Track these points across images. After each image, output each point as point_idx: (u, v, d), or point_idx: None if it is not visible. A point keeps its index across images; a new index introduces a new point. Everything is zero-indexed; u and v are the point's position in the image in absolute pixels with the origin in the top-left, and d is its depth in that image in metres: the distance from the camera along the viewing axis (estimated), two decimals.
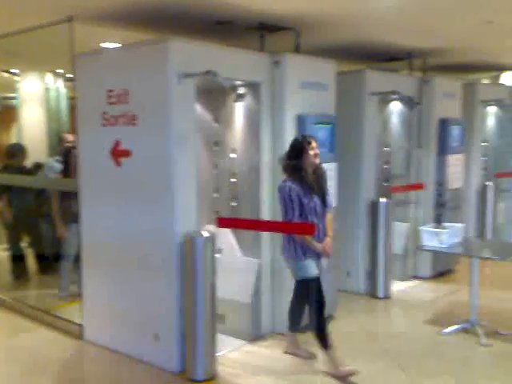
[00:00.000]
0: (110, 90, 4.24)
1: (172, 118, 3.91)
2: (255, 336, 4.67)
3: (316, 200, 3.96)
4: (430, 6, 4.45)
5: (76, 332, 4.79)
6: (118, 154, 4.25)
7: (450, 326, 4.88)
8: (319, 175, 4.02)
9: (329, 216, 4.09)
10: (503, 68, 8.34)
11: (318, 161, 3.98)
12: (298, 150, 3.95)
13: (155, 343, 4.11)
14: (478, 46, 6.41)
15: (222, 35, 5.02)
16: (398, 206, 6.14)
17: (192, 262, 3.87)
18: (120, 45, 5.25)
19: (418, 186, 6.36)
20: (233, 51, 4.34)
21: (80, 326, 4.77)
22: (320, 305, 4.04)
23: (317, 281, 4.01)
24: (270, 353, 4.47)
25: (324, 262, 4.18)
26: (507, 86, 8.30)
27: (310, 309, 4.14)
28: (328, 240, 4.04)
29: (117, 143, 4.25)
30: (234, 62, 4.32)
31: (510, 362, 4.29)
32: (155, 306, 4.15)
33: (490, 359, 4.40)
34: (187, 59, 3.92)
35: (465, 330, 4.81)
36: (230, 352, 4.43)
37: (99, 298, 4.62)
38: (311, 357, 4.32)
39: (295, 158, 3.93)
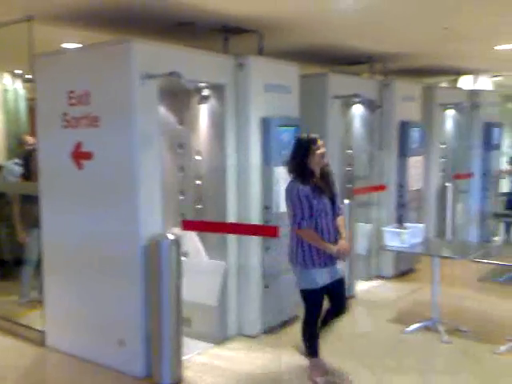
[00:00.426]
0: (71, 91, 4.16)
1: (135, 120, 3.87)
2: (222, 339, 4.66)
3: (325, 201, 3.75)
4: (389, 11, 4.55)
5: (38, 339, 4.67)
6: (80, 156, 4.17)
7: (412, 324, 4.98)
8: (327, 175, 3.85)
9: (341, 217, 3.91)
10: (460, 72, 8.60)
11: (325, 160, 3.84)
12: (303, 149, 3.76)
13: (119, 348, 4.05)
14: (436, 50, 6.59)
15: (185, 37, 5.00)
16: (361, 208, 6.24)
17: (157, 265, 3.83)
18: (81, 45, 5.16)
19: (380, 188, 6.49)
20: (197, 53, 4.33)
21: (42, 332, 4.65)
22: (314, 319, 3.86)
23: (320, 293, 3.78)
24: (236, 355, 4.47)
25: (341, 265, 3.91)
26: (464, 90, 8.55)
27: (304, 318, 3.91)
28: (342, 242, 3.79)
29: (78, 145, 4.17)
30: (198, 64, 4.31)
31: (471, 358, 4.41)
32: (119, 310, 4.09)
33: (452, 356, 4.51)
34: (150, 60, 3.88)
35: (427, 328, 4.92)
36: (197, 355, 4.41)
37: (61, 304, 4.51)
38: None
39: (301, 158, 3.75)
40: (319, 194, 3.72)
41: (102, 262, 4.17)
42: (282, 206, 4.76)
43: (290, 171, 3.82)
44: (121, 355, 4.07)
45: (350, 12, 4.54)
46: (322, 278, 3.74)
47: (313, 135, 3.87)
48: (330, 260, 3.75)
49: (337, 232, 3.83)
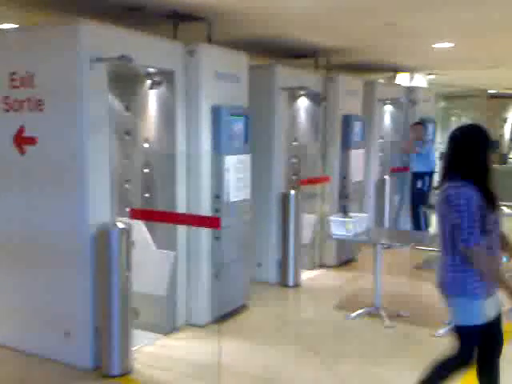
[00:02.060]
0: (13, 73, 3.95)
1: (83, 105, 3.74)
2: (171, 329, 4.61)
3: (494, 216, 2.82)
4: (334, 5, 4.65)
5: None
6: (22, 141, 3.98)
7: (355, 310, 5.14)
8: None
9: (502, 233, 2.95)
10: (398, 69, 8.93)
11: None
12: (482, 142, 2.85)
13: (66, 340, 3.91)
14: (378, 46, 6.80)
15: (134, 22, 4.86)
16: (305, 198, 6.35)
17: (106, 255, 3.74)
18: (17, 26, 4.93)
19: (325, 179, 6.63)
20: (147, 37, 4.24)
21: None
22: (460, 364, 2.97)
23: (481, 331, 2.85)
24: (185, 345, 4.44)
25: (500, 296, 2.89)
26: (402, 86, 8.90)
27: (441, 362, 3.03)
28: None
29: (21, 130, 3.98)
30: (148, 49, 4.22)
31: (411, 341, 4.62)
32: (66, 302, 3.95)
33: (393, 339, 4.69)
34: (99, 43, 3.76)
35: (369, 314, 5.10)
36: (146, 346, 4.34)
37: (3, 296, 4.30)
38: None
39: (480, 155, 2.82)
40: (492, 203, 2.79)
41: (47, 252, 4.01)
42: (232, 195, 4.78)
43: (454, 169, 2.85)
44: (68, 348, 3.94)
45: (297, 4, 4.59)
46: (489, 310, 2.83)
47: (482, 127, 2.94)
48: (492, 288, 2.83)
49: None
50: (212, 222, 4.46)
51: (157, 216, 4.45)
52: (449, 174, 2.88)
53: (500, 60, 8.06)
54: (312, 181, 6.52)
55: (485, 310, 2.80)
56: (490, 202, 2.77)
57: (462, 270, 2.80)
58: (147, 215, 4.50)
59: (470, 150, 2.83)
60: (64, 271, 3.94)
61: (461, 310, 2.85)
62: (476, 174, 2.78)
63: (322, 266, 6.81)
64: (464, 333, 2.88)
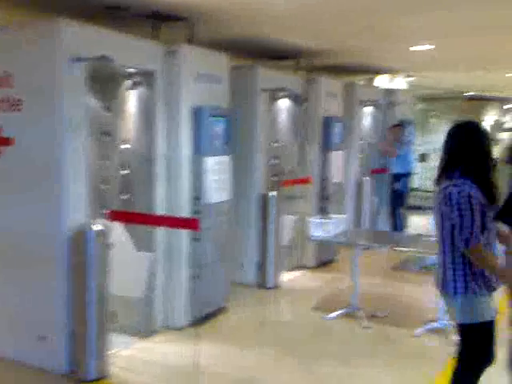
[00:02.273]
0: None
1: (61, 105, 3.70)
2: (149, 332, 4.57)
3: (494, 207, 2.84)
4: (315, 8, 4.66)
5: None
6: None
7: (334, 311, 5.18)
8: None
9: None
10: (377, 71, 9.01)
11: None
12: (485, 139, 2.84)
13: (41, 344, 3.86)
14: (357, 48, 6.83)
15: (114, 22, 4.81)
16: (285, 200, 6.36)
17: (82, 257, 3.70)
18: None
19: (307, 180, 6.65)
20: (127, 38, 4.19)
21: None
22: (478, 368, 2.86)
23: (492, 327, 2.81)
24: (163, 348, 4.42)
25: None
26: (382, 88, 8.98)
27: (460, 364, 2.91)
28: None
29: None
30: (129, 49, 4.18)
31: (389, 341, 4.67)
32: (41, 305, 3.89)
33: (371, 340, 4.75)
34: (79, 43, 3.72)
35: (348, 315, 5.13)
36: (123, 349, 4.30)
37: None
38: None
39: (484, 151, 2.81)
40: (493, 203, 2.79)
41: (23, 254, 3.94)
42: (212, 196, 4.77)
43: (454, 167, 2.81)
44: (43, 352, 3.88)
45: (278, 7, 4.59)
46: (491, 306, 2.81)
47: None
48: (491, 286, 2.80)
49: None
50: (191, 224, 4.44)
51: (135, 218, 4.41)
52: (447, 172, 2.84)
53: (478, 63, 8.19)
54: (293, 182, 6.53)
55: (490, 306, 2.79)
56: (491, 199, 2.75)
57: (462, 269, 2.77)
58: (125, 217, 4.46)
59: (471, 147, 2.80)
60: (40, 274, 3.88)
61: (466, 308, 2.79)
62: (476, 171, 2.75)
63: (301, 267, 6.83)
64: (474, 331, 2.80)
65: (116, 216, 4.38)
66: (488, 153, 2.84)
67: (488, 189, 2.75)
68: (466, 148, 2.80)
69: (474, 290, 2.76)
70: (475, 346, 2.82)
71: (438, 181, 2.91)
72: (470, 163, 2.76)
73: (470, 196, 2.68)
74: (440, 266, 2.90)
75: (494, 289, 2.81)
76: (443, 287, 2.87)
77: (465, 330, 2.83)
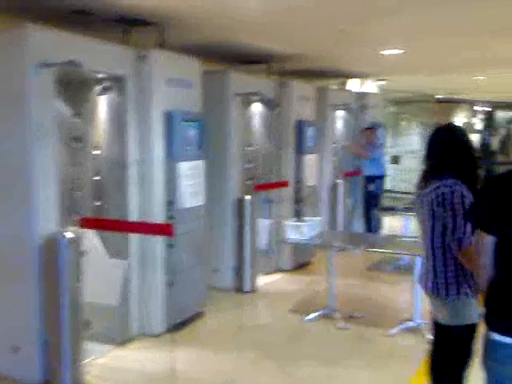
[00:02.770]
0: None
1: (29, 111, 3.63)
2: (124, 339, 4.51)
3: None
4: (285, 13, 4.70)
5: None
6: None
7: (311, 313, 5.19)
8: None
9: None
10: (349, 76, 9.12)
11: None
12: (469, 142, 2.88)
13: (14, 354, 3.77)
14: (328, 53, 6.92)
15: (83, 27, 4.76)
16: (261, 203, 6.37)
17: (55, 265, 3.63)
18: None
19: (283, 184, 6.66)
20: (96, 42, 4.15)
21: None
22: (462, 369, 2.85)
23: (477, 328, 2.76)
24: (139, 355, 4.37)
25: None
26: (353, 92, 9.08)
27: (443, 365, 2.92)
28: None
29: None
30: (98, 54, 4.14)
31: (365, 341, 4.71)
32: (13, 315, 3.82)
33: (348, 340, 4.77)
34: (46, 48, 3.66)
35: (325, 316, 5.16)
36: (99, 358, 4.23)
37: None
38: None
39: (470, 153, 2.85)
40: None
41: None
42: (186, 201, 4.74)
43: (444, 167, 2.81)
44: (16, 361, 3.80)
45: (249, 11, 4.61)
46: (478, 310, 2.76)
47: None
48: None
49: None
50: (165, 230, 4.41)
51: (108, 225, 4.36)
52: (435, 174, 2.82)
53: (446, 66, 8.36)
54: (269, 186, 6.54)
55: (477, 310, 2.75)
56: None
57: (454, 271, 2.75)
58: (98, 224, 4.41)
59: (459, 148, 2.82)
60: (12, 283, 3.81)
61: (456, 310, 2.75)
62: (466, 172, 2.76)
63: (278, 270, 6.84)
64: (460, 333, 2.79)
65: (88, 223, 4.33)
66: (474, 153, 2.88)
67: (476, 189, 2.72)
68: (455, 150, 2.82)
69: (465, 293, 2.74)
70: (461, 347, 2.82)
71: (424, 183, 2.89)
72: (460, 164, 2.78)
73: (463, 196, 2.67)
74: (429, 272, 2.85)
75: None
76: (433, 291, 2.82)
77: (454, 331, 2.79)
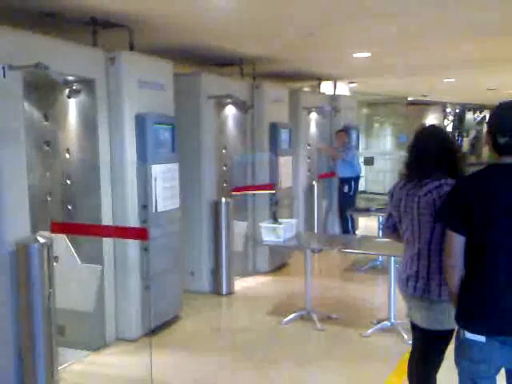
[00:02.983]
0: None
1: None
2: (100, 345, 4.44)
3: None
4: (255, 18, 4.71)
5: None
6: None
7: (288, 315, 5.18)
8: None
9: None
10: (322, 78, 9.18)
11: None
12: (455, 140, 3.09)
13: None
14: (300, 55, 6.96)
15: (51, 28, 4.69)
16: (237, 206, 6.35)
17: (26, 270, 3.55)
18: None
19: (269, 187, 6.64)
20: (64, 44, 4.09)
21: None
22: (437, 369, 2.89)
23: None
24: (116, 360, 4.31)
25: None
26: (326, 95, 9.15)
27: (428, 367, 2.90)
28: None
29: None
30: (66, 56, 4.07)
31: (341, 342, 4.72)
32: None
33: (325, 341, 4.80)
34: (13, 50, 3.58)
35: (302, 318, 5.16)
36: (74, 364, 4.17)
37: None
38: None
39: (454, 152, 2.85)
40: None
41: None
42: (159, 204, 4.70)
43: (440, 166, 2.79)
44: None
45: (216, 14, 4.60)
46: None
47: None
48: None
49: None
50: (140, 234, 4.36)
51: (80, 229, 4.29)
52: (425, 171, 2.78)
53: (415, 68, 8.50)
54: (254, 188, 6.52)
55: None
56: None
57: None
58: (71, 229, 4.33)
59: (448, 147, 2.82)
60: None
61: (448, 313, 2.60)
62: (457, 170, 2.77)
63: (255, 272, 6.83)
64: (446, 337, 2.73)
65: (61, 228, 4.25)
66: (460, 151, 2.93)
67: None
68: (449, 148, 2.82)
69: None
70: (444, 349, 2.78)
71: (411, 182, 2.83)
72: (453, 162, 2.78)
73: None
74: (419, 273, 2.76)
75: None
76: (424, 292, 2.73)
77: (444, 334, 2.72)
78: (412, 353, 2.98)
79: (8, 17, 4.37)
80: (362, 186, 10.75)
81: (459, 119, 18.88)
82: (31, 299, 3.55)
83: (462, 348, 2.32)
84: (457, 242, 2.31)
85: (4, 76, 3.51)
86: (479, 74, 9.37)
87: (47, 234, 4.10)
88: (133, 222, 4.54)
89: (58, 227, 4.22)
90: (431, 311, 2.75)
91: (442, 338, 2.74)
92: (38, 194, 4.49)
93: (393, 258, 4.79)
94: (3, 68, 3.50)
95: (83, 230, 4.30)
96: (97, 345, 4.43)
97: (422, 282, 2.75)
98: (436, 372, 2.89)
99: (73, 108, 4.44)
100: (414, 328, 2.92)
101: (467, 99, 16.54)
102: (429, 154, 2.80)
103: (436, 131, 2.99)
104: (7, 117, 3.59)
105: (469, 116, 19.27)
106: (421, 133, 2.96)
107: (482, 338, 2.22)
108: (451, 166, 2.78)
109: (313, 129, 8.65)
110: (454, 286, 2.37)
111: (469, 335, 2.26)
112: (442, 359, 2.84)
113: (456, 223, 2.32)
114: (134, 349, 4.48)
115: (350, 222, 8.38)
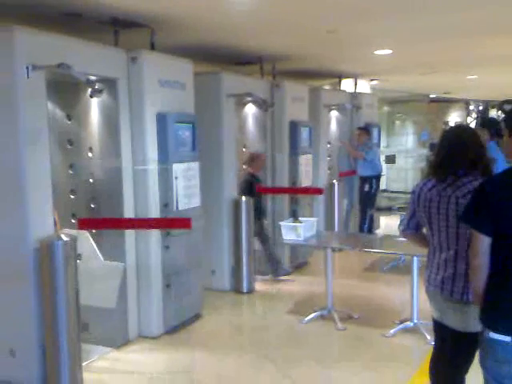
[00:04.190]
0: None
1: (21, 115, 3.60)
2: (122, 342, 4.49)
3: None
4: (276, 16, 4.69)
5: None
6: None
7: (309, 314, 5.16)
8: None
9: None
10: (342, 76, 9.12)
11: None
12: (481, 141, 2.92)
13: (11, 359, 3.74)
14: (321, 53, 6.92)
15: (73, 28, 4.74)
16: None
17: (50, 268, 3.60)
18: None
19: (317, 191, 6.64)
20: (87, 45, 4.13)
21: None
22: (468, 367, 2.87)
23: None
24: (138, 357, 4.34)
25: None
26: (347, 92, 9.08)
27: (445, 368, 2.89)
28: None
29: None
30: (89, 56, 4.12)
31: (363, 342, 4.67)
32: (9, 319, 3.78)
33: (346, 341, 4.74)
34: (37, 50, 3.64)
35: (323, 317, 5.13)
36: (97, 360, 4.22)
37: None
38: None
39: (484, 150, 2.85)
40: None
41: None
42: (181, 203, 4.72)
43: (472, 165, 2.75)
44: (14, 366, 3.76)
45: (237, 12, 4.60)
46: None
47: None
48: None
49: None
50: (183, 223, 4.37)
51: (111, 223, 4.34)
52: (457, 168, 2.73)
53: (437, 65, 8.38)
54: (301, 191, 6.60)
55: None
56: None
57: None
58: (99, 224, 4.39)
59: (479, 146, 2.79)
60: (6, 287, 3.76)
61: (476, 316, 2.48)
62: (488, 171, 2.74)
63: None
64: (473, 339, 2.60)
65: (91, 223, 4.32)
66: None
67: None
68: (476, 148, 2.78)
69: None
70: (476, 351, 2.66)
71: (443, 182, 2.76)
72: (483, 161, 2.75)
73: None
74: (458, 275, 2.69)
75: None
76: (463, 296, 2.67)
77: (477, 337, 2.53)
78: (437, 354, 2.94)
79: (31, 18, 4.45)
80: (383, 184, 10.63)
81: (483, 116, 18.57)
82: (55, 296, 3.59)
83: (487, 348, 2.29)
84: (483, 243, 2.27)
85: (28, 76, 3.57)
86: (503, 70, 9.19)
87: (71, 231, 4.16)
88: None
89: (84, 223, 4.29)
90: (468, 314, 2.68)
91: (476, 340, 2.62)
92: (64, 193, 4.55)
93: (415, 258, 4.73)
94: (27, 68, 3.55)
95: (113, 224, 4.35)
96: (119, 342, 4.47)
97: (460, 284, 2.68)
98: (465, 373, 2.86)
99: (95, 107, 4.49)
100: (443, 329, 2.85)
101: (491, 96, 16.26)
102: (464, 152, 2.74)
103: (470, 130, 2.95)
104: (31, 116, 3.65)
105: (492, 113, 18.94)
106: (453, 131, 2.92)
107: (506, 338, 2.18)
108: (483, 166, 2.73)
109: (333, 127, 8.60)
110: (479, 287, 2.33)
111: (493, 335, 2.23)
112: (472, 361, 2.79)
113: (483, 224, 2.27)
114: (156, 346, 4.52)
115: (367, 221, 8.31)
